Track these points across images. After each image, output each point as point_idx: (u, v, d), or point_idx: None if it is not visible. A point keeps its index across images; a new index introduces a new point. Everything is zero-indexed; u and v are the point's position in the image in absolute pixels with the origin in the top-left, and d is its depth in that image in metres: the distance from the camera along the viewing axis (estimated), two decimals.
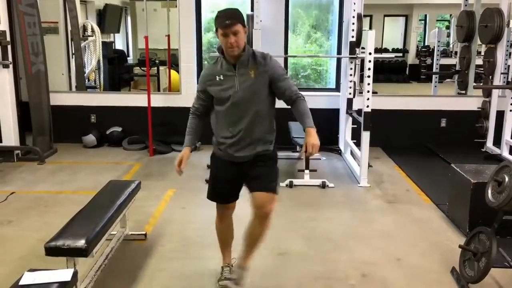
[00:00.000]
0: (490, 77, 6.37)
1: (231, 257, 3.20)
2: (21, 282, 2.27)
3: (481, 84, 6.88)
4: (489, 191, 3.06)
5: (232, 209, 3.06)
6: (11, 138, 5.98)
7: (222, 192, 3.00)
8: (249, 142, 2.81)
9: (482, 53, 7.21)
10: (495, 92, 6.42)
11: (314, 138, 2.64)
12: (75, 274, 2.41)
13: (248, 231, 2.91)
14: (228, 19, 2.62)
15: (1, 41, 5.68)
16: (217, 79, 2.79)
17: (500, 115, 6.36)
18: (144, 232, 3.82)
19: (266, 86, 2.77)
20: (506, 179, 2.90)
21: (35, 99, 6.16)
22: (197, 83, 2.86)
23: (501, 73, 6.24)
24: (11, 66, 5.86)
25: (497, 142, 6.33)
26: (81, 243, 2.60)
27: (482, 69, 6.79)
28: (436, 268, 3.40)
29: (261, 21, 5.18)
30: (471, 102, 6.80)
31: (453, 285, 3.16)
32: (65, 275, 2.35)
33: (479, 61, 7.28)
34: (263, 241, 2.93)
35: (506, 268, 3.09)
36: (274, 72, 2.77)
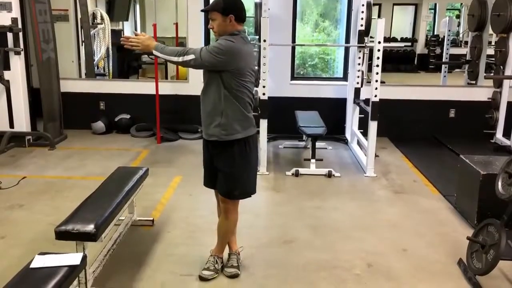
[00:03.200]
0: (502, 67, 6.31)
1: (237, 246, 3.26)
2: (32, 265, 2.31)
3: (492, 74, 6.81)
4: (499, 183, 3.04)
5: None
6: (23, 124, 6.06)
7: (206, 175, 3.15)
8: (204, 121, 2.95)
9: (493, 43, 7.14)
10: (506, 83, 6.35)
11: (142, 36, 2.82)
12: (84, 258, 2.45)
13: (218, 224, 3.15)
14: (206, 6, 2.79)
15: (12, 28, 5.72)
16: None
17: (511, 106, 6.30)
18: (151, 218, 3.87)
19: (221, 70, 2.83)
20: None
21: (45, 85, 6.21)
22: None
23: None
24: (22, 53, 5.91)
25: (507, 133, 6.26)
26: (90, 227, 2.64)
27: (493, 59, 6.72)
28: (442, 259, 3.40)
29: (269, 9, 5.16)
30: (481, 93, 6.74)
31: (460, 277, 3.17)
32: (74, 258, 2.38)
33: (490, 51, 7.20)
34: (228, 232, 3.14)
35: None
36: None
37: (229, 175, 2.92)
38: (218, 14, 2.79)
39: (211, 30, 2.90)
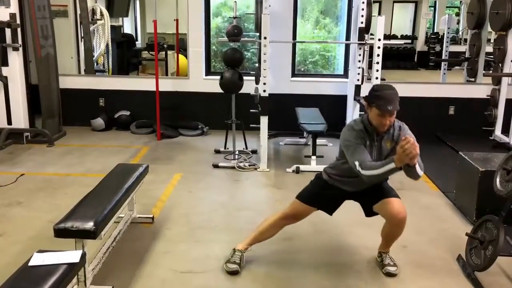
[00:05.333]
0: (500, 64, 6.31)
1: (249, 247, 3.23)
2: (31, 263, 2.30)
3: (491, 71, 6.82)
4: (498, 180, 3.05)
5: (297, 220, 3.19)
6: (21, 121, 6.03)
7: (314, 198, 3.14)
8: (363, 188, 2.99)
9: (492, 41, 7.15)
10: (505, 80, 6.36)
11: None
12: (83, 256, 2.45)
13: (385, 233, 3.18)
14: (391, 105, 2.80)
15: (11, 24, 5.69)
16: (363, 139, 2.89)
17: (509, 103, 6.31)
18: (151, 216, 3.86)
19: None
20: None
21: (44, 82, 6.19)
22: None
23: (511, 61, 6.18)
24: (20, 49, 5.87)
25: (506, 130, 6.28)
26: (90, 225, 2.63)
27: (492, 56, 6.73)
28: (442, 255, 3.41)
29: (270, 6, 5.15)
30: (480, 90, 6.75)
31: (459, 273, 3.17)
32: (73, 256, 2.37)
33: (489, 48, 7.21)
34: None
35: None
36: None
37: (389, 188, 3.08)
38: None
39: (385, 125, 2.88)
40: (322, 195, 3.13)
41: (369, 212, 3.14)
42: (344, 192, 3.08)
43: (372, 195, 3.03)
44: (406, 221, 2.99)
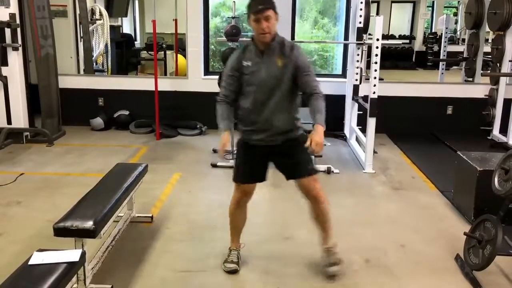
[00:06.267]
0: (498, 64, 6.34)
1: (239, 242, 3.24)
2: (30, 262, 2.30)
3: (489, 71, 6.84)
4: (496, 179, 3.06)
5: (249, 195, 3.09)
6: (20, 120, 6.04)
7: (245, 173, 3.05)
8: (271, 128, 2.88)
9: (490, 40, 7.18)
10: (503, 80, 6.38)
11: (319, 136, 2.65)
12: (83, 255, 2.46)
13: (318, 215, 3.06)
14: (261, 5, 2.72)
15: (11, 24, 5.69)
16: (244, 64, 2.84)
17: (507, 103, 6.32)
18: (150, 215, 3.87)
19: (290, 76, 2.82)
20: None
21: (44, 81, 6.20)
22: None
23: (509, 61, 6.20)
24: (20, 48, 5.88)
25: (504, 130, 6.30)
26: (89, 224, 2.64)
27: (490, 56, 6.75)
28: (440, 255, 3.42)
29: None
30: (478, 90, 6.77)
31: (457, 272, 3.18)
32: (73, 255, 2.38)
33: (487, 48, 7.23)
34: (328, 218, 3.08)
35: (511, 256, 3.11)
36: (298, 64, 2.81)
37: (304, 154, 2.97)
38: (272, 12, 2.74)
39: (263, 30, 2.73)
40: (246, 166, 3.04)
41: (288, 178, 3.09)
42: (261, 148, 2.95)
43: (289, 166, 3.00)
44: (323, 197, 2.99)
